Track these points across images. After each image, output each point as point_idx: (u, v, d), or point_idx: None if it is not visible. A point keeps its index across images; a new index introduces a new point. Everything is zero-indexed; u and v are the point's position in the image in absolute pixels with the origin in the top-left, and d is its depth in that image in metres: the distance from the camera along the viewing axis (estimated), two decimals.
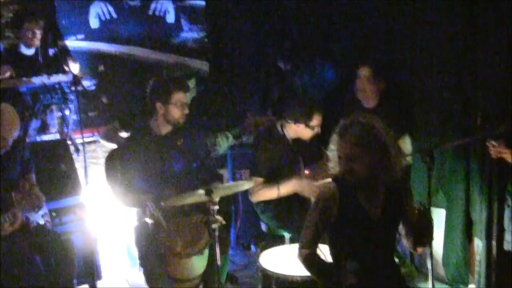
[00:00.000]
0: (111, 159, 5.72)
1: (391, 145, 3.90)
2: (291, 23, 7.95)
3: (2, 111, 5.29)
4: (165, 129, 5.46)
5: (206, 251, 4.95)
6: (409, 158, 5.92)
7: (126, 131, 6.35)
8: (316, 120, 5.70)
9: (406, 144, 6.05)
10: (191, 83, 6.80)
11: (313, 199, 5.47)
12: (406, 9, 6.17)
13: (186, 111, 5.43)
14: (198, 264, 4.98)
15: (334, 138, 3.99)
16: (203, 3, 8.11)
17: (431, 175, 4.66)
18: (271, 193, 5.66)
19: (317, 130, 5.76)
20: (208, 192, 4.54)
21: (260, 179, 5.68)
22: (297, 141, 5.86)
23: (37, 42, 6.67)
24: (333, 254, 4.10)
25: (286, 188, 5.63)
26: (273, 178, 5.68)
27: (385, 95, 6.11)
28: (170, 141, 5.49)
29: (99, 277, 6.14)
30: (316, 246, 4.07)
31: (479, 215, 5.50)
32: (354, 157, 3.88)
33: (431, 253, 4.82)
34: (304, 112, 5.70)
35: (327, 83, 7.48)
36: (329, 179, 4.16)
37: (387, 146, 3.87)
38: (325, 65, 7.58)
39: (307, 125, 5.70)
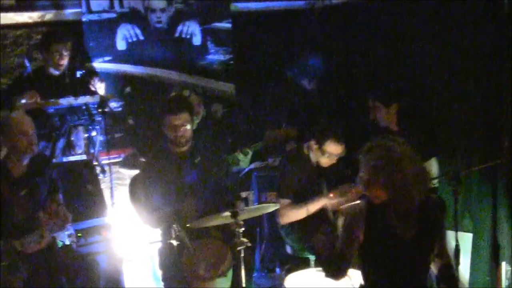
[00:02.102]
0: (135, 183, 5.74)
1: (414, 167, 3.87)
2: (315, 45, 7.98)
3: (13, 118, 5.36)
4: (173, 146, 5.49)
5: (230, 273, 4.94)
6: (435, 182, 5.89)
7: (145, 157, 6.39)
8: (331, 148, 5.68)
9: (433, 168, 6.02)
10: (218, 107, 6.85)
11: (339, 221, 5.49)
12: (431, 30, 6.17)
13: (181, 133, 5.44)
14: (221, 286, 4.97)
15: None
16: (229, 25, 8.13)
17: (458, 199, 4.63)
18: (300, 213, 5.66)
19: (333, 159, 5.74)
20: (234, 214, 4.54)
21: (287, 201, 5.67)
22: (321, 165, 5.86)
23: (65, 63, 6.70)
24: (364, 275, 4.07)
25: (315, 205, 5.62)
26: (299, 200, 5.67)
27: (410, 119, 6.09)
28: (187, 160, 5.52)
29: None
30: (348, 265, 4.04)
31: (507, 239, 5.45)
32: (372, 180, 3.87)
33: (457, 278, 4.78)
34: (318, 132, 5.71)
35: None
36: (357, 202, 4.14)
37: (405, 168, 3.84)
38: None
39: (320, 148, 5.69)
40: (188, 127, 5.46)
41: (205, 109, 7.19)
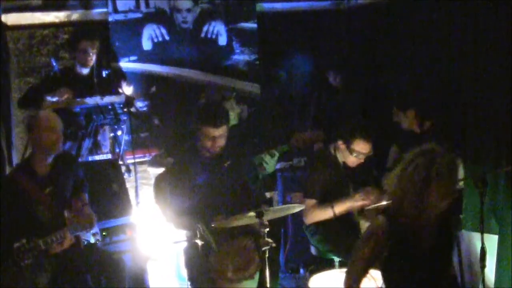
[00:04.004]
0: (160, 182, 5.75)
1: (449, 183, 3.84)
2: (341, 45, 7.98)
3: (43, 117, 5.40)
4: (206, 152, 5.49)
5: (257, 275, 4.93)
6: (461, 184, 5.85)
7: (173, 156, 6.39)
8: (359, 146, 5.67)
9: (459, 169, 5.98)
10: (236, 109, 6.85)
11: (363, 223, 5.47)
12: (459, 30, 6.14)
13: (219, 143, 5.44)
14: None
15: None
16: (255, 26, 8.14)
17: (484, 201, 4.59)
18: (326, 214, 5.64)
19: (361, 158, 5.73)
20: (259, 214, 4.54)
21: (314, 201, 5.67)
22: (348, 165, 5.84)
23: (91, 63, 6.74)
24: (386, 283, 4.05)
25: (341, 207, 5.61)
26: (325, 201, 5.66)
27: (432, 122, 6.06)
28: (217, 163, 5.52)
29: None
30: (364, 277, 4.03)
31: None
32: (401, 194, 3.86)
33: (483, 280, 4.75)
34: (345, 131, 5.70)
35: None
36: (383, 203, 4.12)
37: (442, 185, 3.81)
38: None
39: (348, 148, 5.68)
40: (224, 137, 5.49)
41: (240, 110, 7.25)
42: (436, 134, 5.79)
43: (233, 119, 6.75)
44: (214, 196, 5.41)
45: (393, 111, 6.21)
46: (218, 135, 5.39)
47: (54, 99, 6.39)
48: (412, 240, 3.90)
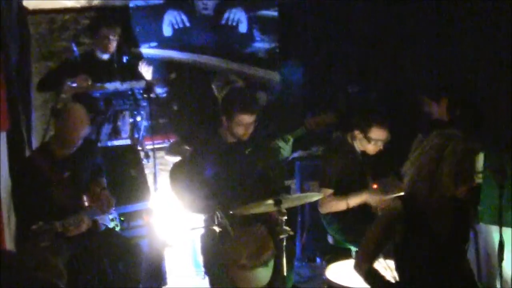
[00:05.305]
0: (175, 171, 5.76)
1: (467, 166, 3.82)
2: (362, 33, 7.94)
3: (72, 110, 5.41)
4: (232, 138, 5.48)
5: (271, 263, 4.93)
6: (480, 176, 5.81)
7: (189, 145, 6.40)
8: (376, 134, 5.67)
9: (479, 161, 5.94)
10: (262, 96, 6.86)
11: (380, 213, 5.45)
12: (482, 21, 6.11)
13: (250, 130, 5.45)
14: (263, 275, 4.94)
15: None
16: (276, 13, 8.11)
17: (503, 193, 4.56)
18: (340, 205, 5.65)
19: (379, 145, 5.71)
20: (277, 202, 4.54)
21: (330, 191, 5.66)
22: (367, 154, 5.82)
23: (112, 48, 6.74)
24: (399, 272, 4.04)
25: (356, 200, 5.61)
26: (342, 190, 5.66)
27: (461, 111, 6.03)
28: (238, 149, 5.52)
29: (164, 283, 6.18)
30: (375, 260, 4.02)
31: None
32: (415, 174, 3.84)
33: (500, 273, 4.72)
34: (361, 120, 5.69)
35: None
36: (401, 193, 4.11)
37: (458, 165, 3.79)
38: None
39: (366, 136, 5.67)
40: (254, 124, 5.48)
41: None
42: (463, 125, 5.76)
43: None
44: (234, 182, 5.41)
45: (424, 101, 6.18)
46: (251, 122, 5.40)
47: (74, 85, 6.41)
48: (427, 229, 3.89)
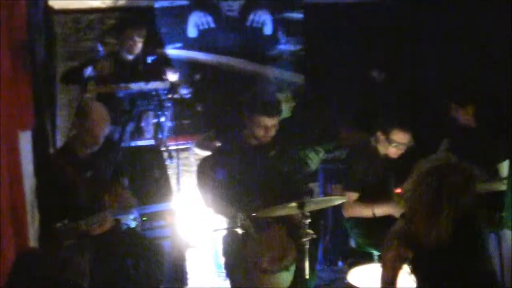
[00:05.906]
0: (203, 166, 5.75)
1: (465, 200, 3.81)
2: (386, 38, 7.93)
3: (94, 109, 5.43)
4: (254, 140, 5.47)
5: (293, 268, 4.91)
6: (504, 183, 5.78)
7: (220, 140, 6.39)
8: (397, 136, 5.64)
9: (504, 168, 5.90)
10: (287, 100, 6.83)
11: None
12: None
13: (271, 133, 5.42)
14: (284, 280, 4.93)
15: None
16: (301, 15, 8.10)
17: None
18: (365, 212, 5.65)
19: (401, 148, 5.69)
20: (301, 205, 4.53)
21: (354, 194, 5.65)
22: (390, 158, 5.80)
23: (137, 49, 6.78)
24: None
25: (382, 210, 5.60)
26: (366, 194, 5.64)
27: (489, 118, 6.01)
28: (262, 152, 5.50)
29: (185, 284, 6.18)
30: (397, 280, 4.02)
31: None
32: (412, 214, 3.85)
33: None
34: (384, 121, 5.67)
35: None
36: None
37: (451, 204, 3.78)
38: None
39: (387, 138, 5.65)
40: (276, 127, 5.46)
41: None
42: (490, 132, 5.74)
43: (287, 111, 6.75)
44: (256, 184, 5.40)
45: (451, 106, 6.15)
46: (271, 125, 5.37)
47: (93, 74, 6.46)
48: (431, 242, 3.88)
